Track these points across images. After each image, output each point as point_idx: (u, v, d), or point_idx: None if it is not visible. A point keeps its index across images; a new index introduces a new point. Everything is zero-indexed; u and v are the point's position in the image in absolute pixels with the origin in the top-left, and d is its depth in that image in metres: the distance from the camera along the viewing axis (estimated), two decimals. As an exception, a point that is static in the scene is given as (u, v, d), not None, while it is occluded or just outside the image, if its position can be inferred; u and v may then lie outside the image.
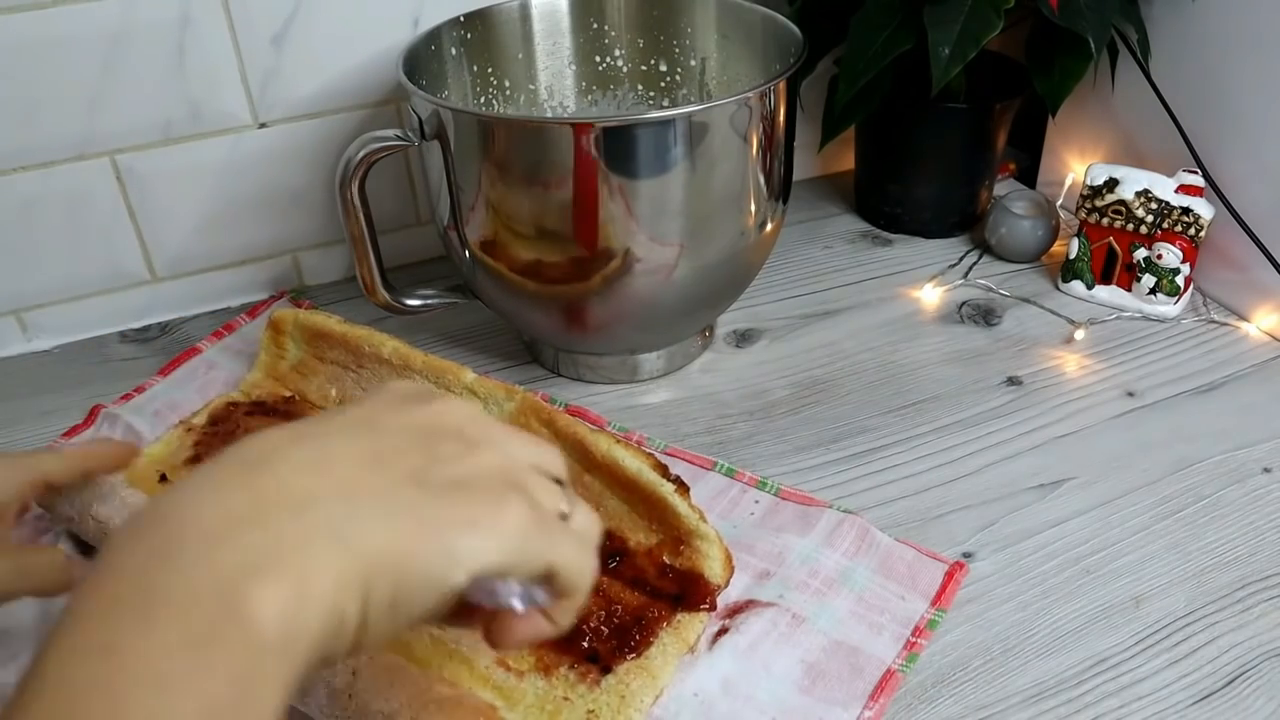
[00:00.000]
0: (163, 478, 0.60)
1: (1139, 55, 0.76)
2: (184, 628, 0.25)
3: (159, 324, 0.79)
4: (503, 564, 0.31)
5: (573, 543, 0.34)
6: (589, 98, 0.79)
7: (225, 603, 0.26)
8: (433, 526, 0.30)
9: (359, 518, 0.29)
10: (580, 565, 0.34)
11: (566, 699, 0.47)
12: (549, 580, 0.34)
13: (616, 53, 0.77)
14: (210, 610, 0.26)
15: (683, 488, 0.55)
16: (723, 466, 0.62)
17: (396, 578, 0.29)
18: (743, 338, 0.76)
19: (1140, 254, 0.75)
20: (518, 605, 0.33)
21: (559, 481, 0.36)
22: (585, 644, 0.49)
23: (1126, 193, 0.75)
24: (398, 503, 0.30)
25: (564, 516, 0.35)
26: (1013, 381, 0.70)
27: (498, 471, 0.33)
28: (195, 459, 0.62)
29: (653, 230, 0.61)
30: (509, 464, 0.34)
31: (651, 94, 0.79)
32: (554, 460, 0.37)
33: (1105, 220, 0.76)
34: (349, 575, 0.28)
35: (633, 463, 0.55)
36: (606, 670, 0.48)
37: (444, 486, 0.31)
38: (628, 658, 0.49)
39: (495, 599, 0.33)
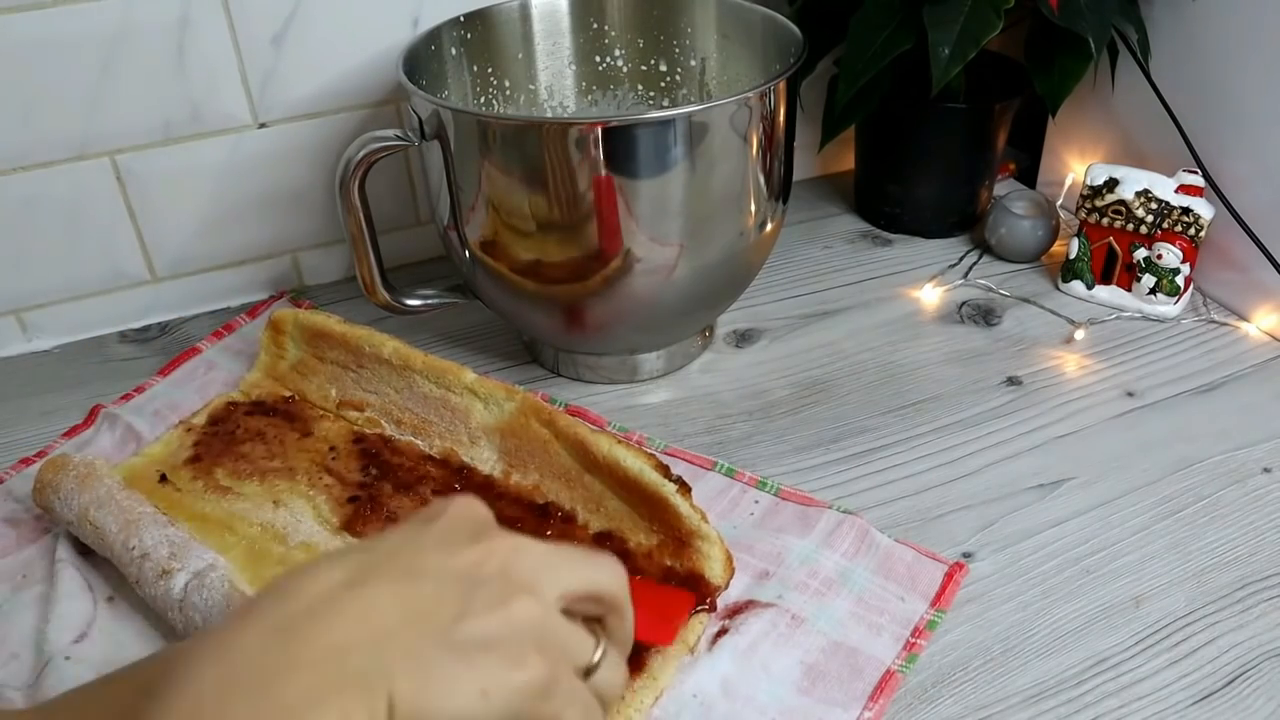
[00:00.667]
0: (162, 478, 0.60)
1: (1139, 55, 0.76)
2: None
3: (159, 324, 0.79)
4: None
5: (582, 706, 0.35)
6: (589, 98, 0.79)
7: None
8: (447, 686, 0.32)
9: (389, 671, 0.31)
10: None
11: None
12: None
13: (616, 53, 0.77)
14: None
15: (684, 488, 0.55)
16: (722, 466, 0.62)
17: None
18: (743, 338, 0.76)
19: (1140, 254, 0.75)
20: None
21: (598, 619, 0.37)
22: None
23: (1126, 193, 0.75)
24: (421, 660, 0.32)
25: (590, 670, 0.36)
26: (1013, 381, 0.70)
27: (528, 627, 0.34)
28: (195, 459, 0.62)
29: (653, 230, 0.61)
30: (542, 618, 0.35)
31: (651, 94, 0.79)
32: (605, 578, 0.37)
33: (1105, 220, 0.76)
34: (375, 714, 0.30)
35: (634, 463, 0.55)
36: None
37: (467, 645, 0.33)
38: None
39: None
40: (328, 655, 0.31)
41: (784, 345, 0.75)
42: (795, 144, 0.68)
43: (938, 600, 0.53)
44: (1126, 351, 0.73)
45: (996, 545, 0.57)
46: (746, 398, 0.69)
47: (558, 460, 0.58)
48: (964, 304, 0.79)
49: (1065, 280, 0.79)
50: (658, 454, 0.61)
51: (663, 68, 0.77)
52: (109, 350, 0.76)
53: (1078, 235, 0.78)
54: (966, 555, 0.57)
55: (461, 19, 0.71)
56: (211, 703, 0.29)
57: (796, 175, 0.77)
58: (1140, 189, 0.74)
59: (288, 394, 0.67)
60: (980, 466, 0.63)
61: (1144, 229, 0.75)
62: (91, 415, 0.68)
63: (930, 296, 0.80)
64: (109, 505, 0.54)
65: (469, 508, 0.37)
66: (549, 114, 0.78)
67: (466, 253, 0.65)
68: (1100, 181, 0.76)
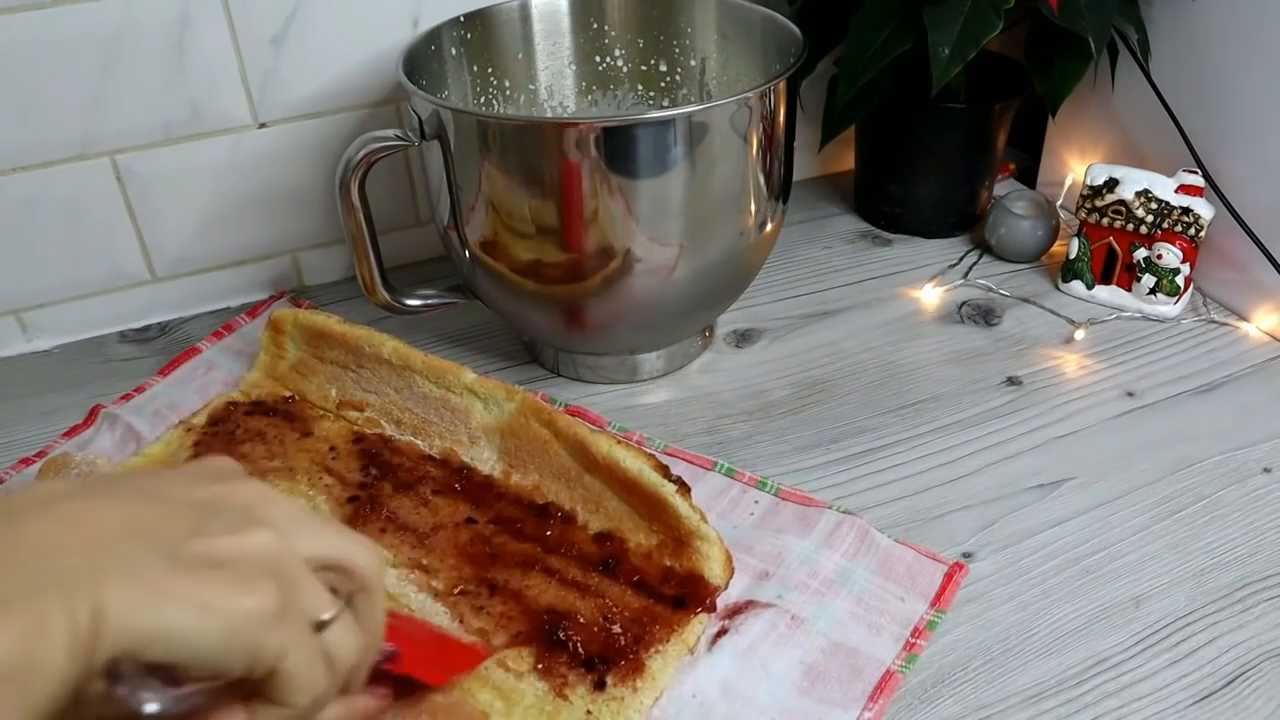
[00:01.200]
0: (163, 478, 0.60)
1: (1139, 55, 0.76)
2: None
3: (159, 324, 0.79)
4: (215, 653, 0.31)
5: (308, 654, 0.33)
6: (589, 98, 0.79)
7: None
8: (165, 599, 0.30)
9: (95, 574, 0.29)
10: (306, 679, 0.33)
11: (566, 700, 0.47)
12: (268, 682, 0.33)
13: (616, 53, 0.77)
14: None
15: (684, 488, 0.55)
16: (722, 466, 0.62)
17: (119, 636, 0.29)
18: (743, 338, 0.76)
19: (1140, 254, 0.75)
20: (149, 708, 0.31)
21: (336, 592, 0.35)
22: (585, 646, 0.50)
23: (1126, 193, 0.75)
24: (136, 567, 0.30)
25: (321, 625, 0.34)
26: (1013, 381, 0.70)
27: (262, 556, 0.32)
28: (195, 459, 0.62)
29: (653, 230, 0.61)
30: (282, 553, 0.33)
31: (651, 94, 0.79)
32: (359, 554, 0.35)
33: (1105, 220, 0.76)
34: (79, 624, 0.28)
35: (633, 463, 0.55)
36: (605, 672, 0.48)
37: (193, 561, 0.31)
38: (627, 659, 0.49)
39: (124, 683, 0.31)
40: (31, 555, 0.29)
41: (784, 345, 0.75)
42: (795, 144, 0.68)
43: (938, 600, 0.53)
44: (1126, 351, 0.73)
45: (996, 545, 0.57)
46: (746, 398, 0.69)
47: (558, 460, 0.58)
48: (964, 304, 0.79)
49: (1065, 280, 0.79)
50: (657, 454, 0.61)
51: (663, 68, 0.77)
52: (109, 350, 0.76)
53: (1078, 235, 0.78)
54: (966, 555, 0.57)
55: (461, 19, 0.71)
56: None
57: (796, 175, 0.77)
58: (1140, 189, 0.74)
59: (288, 394, 0.67)
60: (980, 466, 0.63)
61: (1144, 229, 0.75)
62: (91, 415, 0.68)
63: (930, 296, 0.80)
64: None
65: (221, 461, 0.36)
66: (549, 114, 0.78)
67: (466, 253, 0.65)
68: (1100, 181, 0.76)
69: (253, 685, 0.33)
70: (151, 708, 0.31)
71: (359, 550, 0.36)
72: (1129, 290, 0.77)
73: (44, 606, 0.28)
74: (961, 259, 0.84)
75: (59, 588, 0.28)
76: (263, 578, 0.32)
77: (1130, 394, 0.69)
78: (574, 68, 0.77)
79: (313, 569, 0.34)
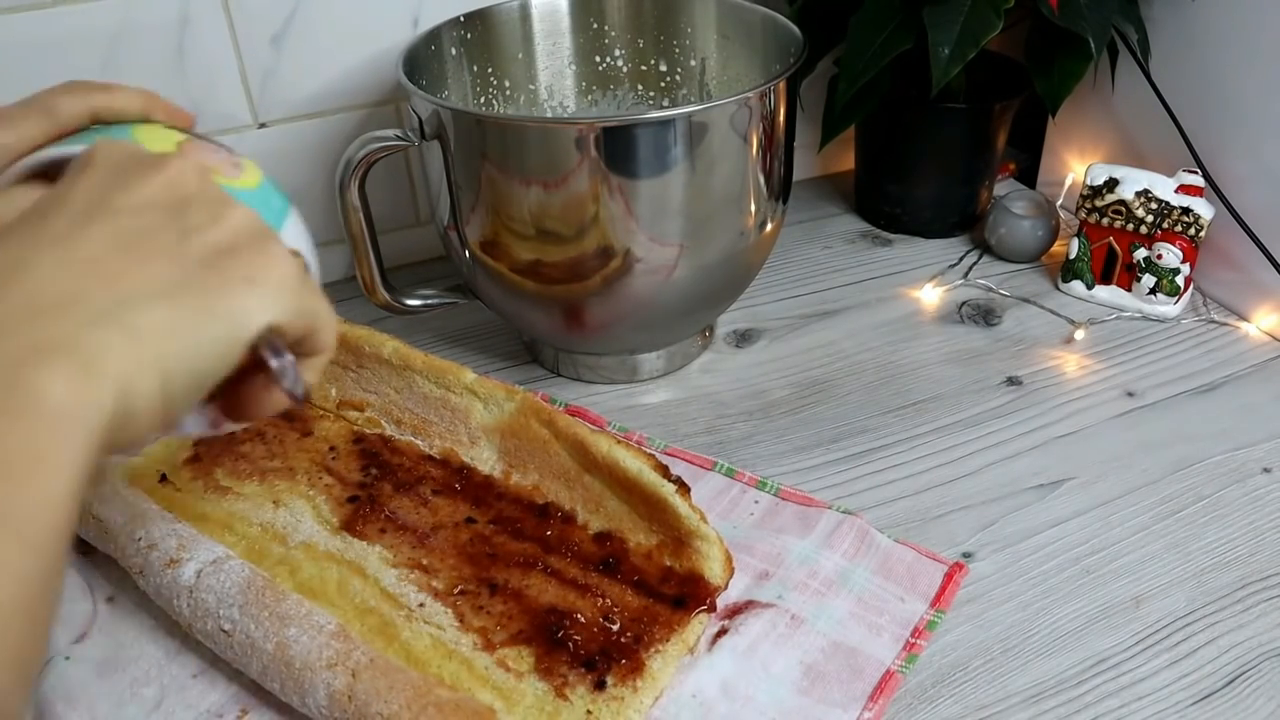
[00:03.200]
0: (163, 478, 0.60)
1: (1139, 55, 0.76)
2: None
3: (159, 324, 0.79)
4: (284, 316, 0.33)
5: (323, 297, 0.36)
6: (589, 98, 0.79)
7: (11, 382, 0.27)
8: (213, 294, 0.31)
9: (135, 306, 0.29)
10: (332, 321, 0.36)
11: (566, 700, 0.47)
12: (308, 337, 0.35)
13: (616, 53, 0.77)
14: None
15: (683, 488, 0.55)
16: (722, 467, 0.62)
17: (191, 350, 0.30)
18: (743, 338, 0.76)
19: (1140, 254, 0.75)
20: (277, 363, 0.34)
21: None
22: (585, 646, 0.50)
23: (1126, 193, 0.75)
24: (168, 282, 0.30)
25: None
26: (1013, 381, 0.70)
27: (255, 228, 0.34)
28: (195, 459, 0.62)
29: (653, 230, 0.61)
30: (259, 222, 0.34)
31: (651, 94, 0.79)
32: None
33: (1105, 220, 0.76)
34: (140, 356, 0.29)
35: (633, 463, 0.55)
36: (606, 672, 0.48)
37: (208, 255, 0.32)
38: (627, 659, 0.49)
39: (274, 356, 0.33)
40: (52, 309, 0.28)
41: (784, 345, 0.75)
42: (795, 144, 0.68)
43: (938, 600, 0.53)
44: (1126, 351, 0.73)
45: (996, 545, 0.57)
46: (746, 398, 0.69)
47: (557, 460, 0.58)
48: (964, 304, 0.79)
49: (1065, 280, 0.79)
50: (657, 454, 0.61)
51: (663, 68, 0.77)
52: (109, 350, 0.76)
53: (1078, 235, 0.78)
54: (966, 555, 0.57)
55: (461, 19, 0.71)
56: None
57: (796, 175, 0.77)
58: (1140, 189, 0.74)
59: (288, 394, 0.67)
60: (980, 466, 0.63)
61: (1144, 229, 0.75)
62: (91, 415, 0.68)
63: (930, 296, 0.80)
64: (114, 501, 0.54)
65: (113, 147, 0.34)
66: (549, 114, 0.78)
67: (466, 253, 0.65)
68: (1100, 181, 0.76)
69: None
70: (289, 364, 0.34)
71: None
72: (1129, 290, 0.77)
73: (88, 350, 0.28)
74: (961, 259, 0.84)
75: (108, 324, 0.28)
76: (271, 243, 0.33)
77: (1130, 394, 0.69)
78: (574, 68, 0.77)
79: None
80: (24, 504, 0.26)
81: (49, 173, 0.38)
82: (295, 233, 0.42)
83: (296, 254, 0.37)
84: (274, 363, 0.34)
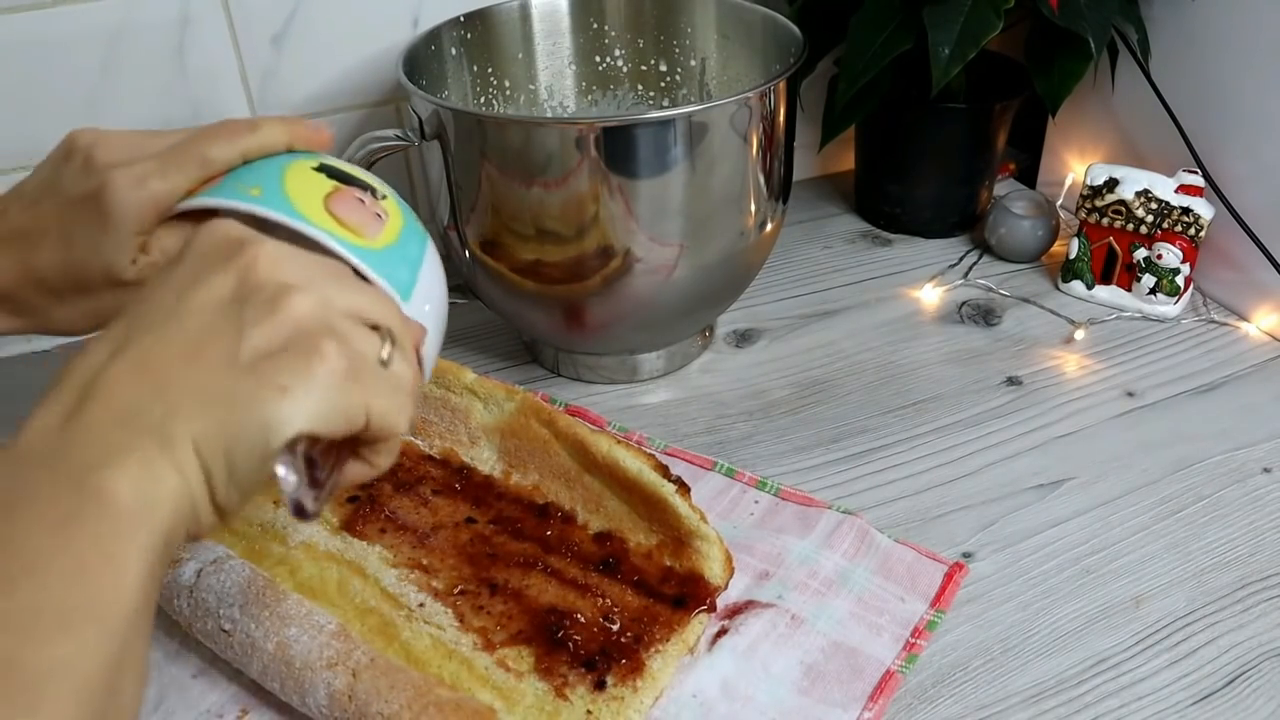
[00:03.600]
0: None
1: (1139, 55, 0.76)
2: (46, 514, 0.29)
3: (159, 324, 0.79)
4: (317, 423, 0.33)
5: (387, 389, 0.35)
6: (589, 98, 0.79)
7: (80, 489, 0.30)
8: (245, 405, 0.32)
9: (183, 416, 0.31)
10: (396, 413, 0.36)
11: (566, 700, 0.47)
12: (367, 428, 0.35)
13: (616, 53, 0.77)
14: (68, 497, 0.29)
15: (683, 488, 0.55)
16: (722, 467, 0.62)
17: (227, 455, 0.32)
18: (743, 338, 0.76)
19: (1140, 254, 0.75)
20: (283, 478, 0.34)
21: (379, 329, 0.37)
22: (585, 646, 0.50)
23: (1126, 193, 0.75)
24: (214, 392, 0.32)
25: (383, 363, 0.36)
26: (1013, 381, 0.70)
27: (309, 320, 0.34)
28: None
29: (653, 230, 0.61)
30: (322, 309, 0.34)
31: (651, 94, 0.79)
32: (374, 306, 0.37)
33: (1105, 220, 0.76)
34: (185, 460, 0.31)
35: (633, 463, 0.55)
36: (606, 672, 0.48)
37: (255, 358, 0.32)
38: (627, 659, 0.49)
39: (285, 468, 0.33)
40: (115, 422, 0.31)
41: (784, 345, 0.75)
42: (795, 144, 0.68)
43: (938, 600, 0.53)
44: (1126, 351, 0.73)
45: (996, 545, 0.57)
46: (746, 398, 0.69)
47: (557, 460, 0.58)
48: (964, 304, 0.79)
49: (1065, 280, 0.79)
50: (657, 454, 0.61)
51: (663, 68, 0.77)
52: (109, 350, 0.76)
53: (1078, 235, 0.78)
54: (966, 555, 0.57)
55: (461, 19, 0.71)
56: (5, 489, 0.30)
57: (796, 175, 0.77)
58: (1140, 189, 0.74)
59: (288, 394, 0.67)
60: (980, 466, 0.63)
61: (1144, 229, 0.75)
62: (91, 415, 0.68)
63: (930, 296, 0.80)
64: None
65: (211, 232, 0.35)
66: (549, 114, 0.78)
67: (466, 253, 0.65)
68: (1100, 181, 0.76)
69: (354, 437, 0.35)
70: (290, 485, 0.34)
71: (372, 296, 0.37)
72: (1129, 290, 0.77)
73: (145, 455, 0.30)
74: (961, 259, 0.84)
75: (151, 437, 0.31)
76: (324, 339, 0.33)
77: (1130, 394, 0.69)
78: (574, 68, 0.77)
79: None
80: (100, 597, 0.29)
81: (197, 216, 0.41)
82: (426, 285, 0.42)
83: (384, 362, 0.36)
84: (281, 476, 0.34)
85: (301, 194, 0.41)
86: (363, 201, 0.42)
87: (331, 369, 0.33)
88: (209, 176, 0.42)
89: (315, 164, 0.44)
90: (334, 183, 0.43)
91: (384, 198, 0.44)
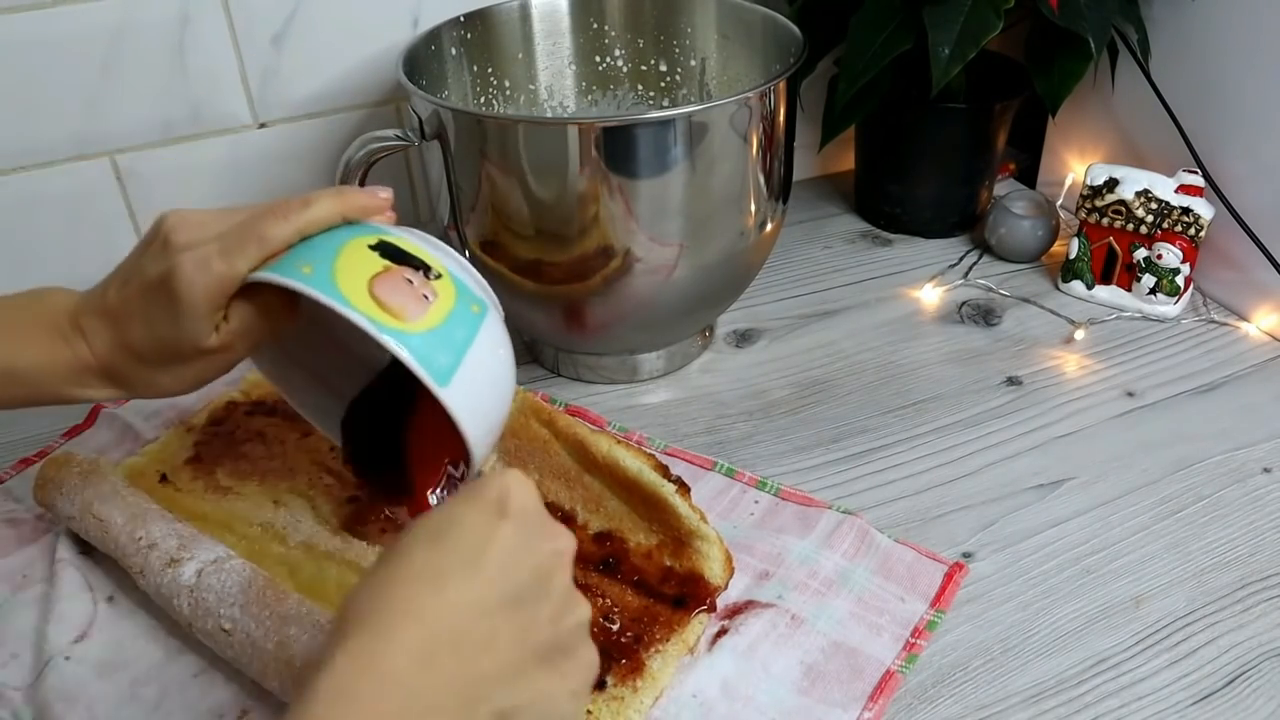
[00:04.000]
0: (163, 478, 0.60)
1: (1139, 55, 0.76)
2: None
3: (159, 324, 0.79)
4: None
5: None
6: (589, 98, 0.79)
7: None
8: (550, 699, 0.35)
9: (499, 695, 0.34)
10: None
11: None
12: None
13: (616, 53, 0.77)
14: None
15: (683, 488, 0.55)
16: (722, 467, 0.62)
17: None
18: (743, 338, 0.76)
19: (1140, 254, 0.75)
20: None
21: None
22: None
23: (1126, 193, 0.75)
24: (529, 679, 0.35)
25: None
26: (1013, 381, 0.70)
27: (583, 631, 0.37)
28: (195, 459, 0.62)
29: (653, 230, 0.61)
30: (585, 618, 0.38)
31: (651, 94, 0.79)
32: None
33: (1105, 220, 0.76)
34: None
35: (633, 463, 0.55)
36: (605, 672, 0.48)
37: (554, 655, 0.36)
38: (627, 659, 0.49)
39: None
40: (468, 685, 0.33)
41: (784, 345, 0.75)
42: (795, 144, 0.68)
43: (938, 600, 0.53)
44: (1126, 351, 0.73)
45: (996, 545, 0.57)
46: (746, 398, 0.69)
47: (557, 460, 0.58)
48: (964, 304, 0.79)
49: (1065, 280, 0.79)
50: (657, 454, 0.61)
51: (663, 68, 0.77)
52: (109, 350, 0.76)
53: (1078, 235, 0.78)
54: (966, 555, 0.57)
55: (461, 19, 0.71)
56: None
57: (796, 175, 0.77)
58: (1140, 189, 0.74)
59: (288, 394, 0.67)
60: (980, 466, 0.63)
61: (1144, 229, 0.75)
62: (92, 415, 0.68)
63: (930, 296, 0.80)
64: (114, 500, 0.54)
65: (524, 497, 0.37)
66: (549, 114, 0.78)
67: (466, 253, 0.65)
68: (1100, 181, 0.76)
69: None
70: None
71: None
72: (1129, 290, 0.77)
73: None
74: (961, 259, 0.84)
75: (485, 708, 0.33)
76: (590, 650, 0.38)
77: (1130, 394, 0.69)
78: (574, 68, 0.77)
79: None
80: None
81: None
82: (473, 368, 0.42)
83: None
84: None
85: (348, 274, 0.42)
86: (410, 282, 0.43)
87: (593, 666, 0.37)
88: (269, 254, 0.43)
89: (374, 240, 0.44)
90: (386, 262, 0.43)
91: (438, 276, 0.44)
